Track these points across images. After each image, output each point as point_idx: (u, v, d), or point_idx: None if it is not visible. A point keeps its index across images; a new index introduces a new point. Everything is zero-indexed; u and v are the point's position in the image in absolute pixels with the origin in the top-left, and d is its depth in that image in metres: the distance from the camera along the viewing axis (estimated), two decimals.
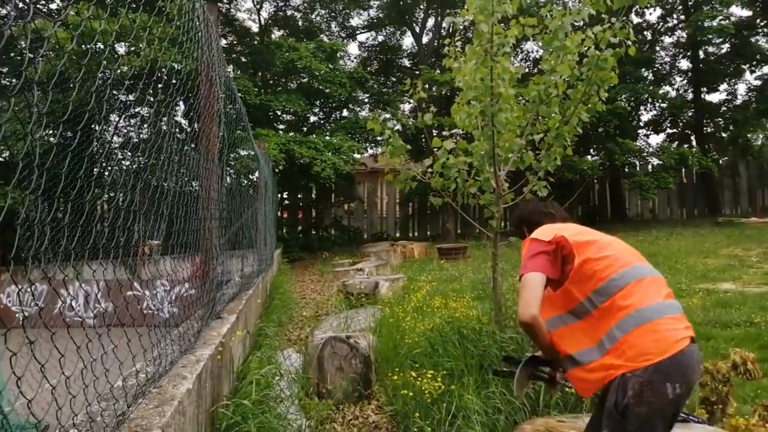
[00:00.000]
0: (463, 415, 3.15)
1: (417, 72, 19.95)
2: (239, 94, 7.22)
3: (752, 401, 3.57)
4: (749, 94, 24.27)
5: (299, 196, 20.49)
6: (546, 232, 2.20)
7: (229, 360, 3.61)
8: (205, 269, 3.50)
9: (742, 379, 3.68)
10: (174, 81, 2.75)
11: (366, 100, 21.70)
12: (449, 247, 14.78)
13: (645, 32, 23.29)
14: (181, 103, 3.84)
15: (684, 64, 24.84)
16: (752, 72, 24.05)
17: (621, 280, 2.03)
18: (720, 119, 24.35)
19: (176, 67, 2.98)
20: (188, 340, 3.03)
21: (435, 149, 4.55)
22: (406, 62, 24.96)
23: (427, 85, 17.33)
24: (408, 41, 26.05)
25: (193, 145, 3.77)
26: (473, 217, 6.34)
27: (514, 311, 4.40)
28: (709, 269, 9.66)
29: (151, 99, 2.73)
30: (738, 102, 23.78)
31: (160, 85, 2.60)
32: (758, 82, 23.98)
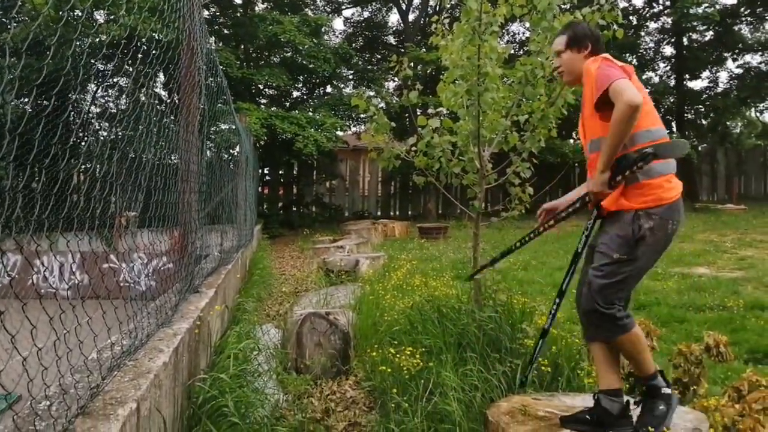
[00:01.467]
0: (440, 391, 3.17)
1: (403, 50, 19.77)
2: (221, 67, 7.08)
3: (722, 383, 3.65)
4: (730, 82, 24.54)
5: (281, 172, 20.31)
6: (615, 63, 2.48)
7: (207, 334, 3.58)
8: (184, 243, 3.46)
9: (714, 362, 3.76)
10: (154, 51, 2.68)
11: (350, 77, 21.48)
12: (430, 227, 14.82)
13: (631, 17, 23.29)
14: (161, 73, 3.75)
15: (668, 50, 24.99)
16: (734, 60, 24.33)
17: (657, 133, 2.48)
18: (701, 106, 24.60)
19: (156, 36, 2.90)
20: (165, 314, 3.00)
21: (420, 128, 4.51)
22: (392, 39, 24.73)
23: (412, 64, 17.21)
24: (394, 18, 25.78)
25: (172, 117, 3.69)
26: (455, 197, 6.36)
27: (494, 291, 4.43)
28: (684, 254, 9.83)
29: (130, 69, 2.65)
30: (719, 90, 24.03)
31: (139, 55, 2.53)
32: (739, 71, 24.26)
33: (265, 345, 4.42)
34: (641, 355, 2.49)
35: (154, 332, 2.78)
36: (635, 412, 2.57)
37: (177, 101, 3.62)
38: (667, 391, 2.50)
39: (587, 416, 2.52)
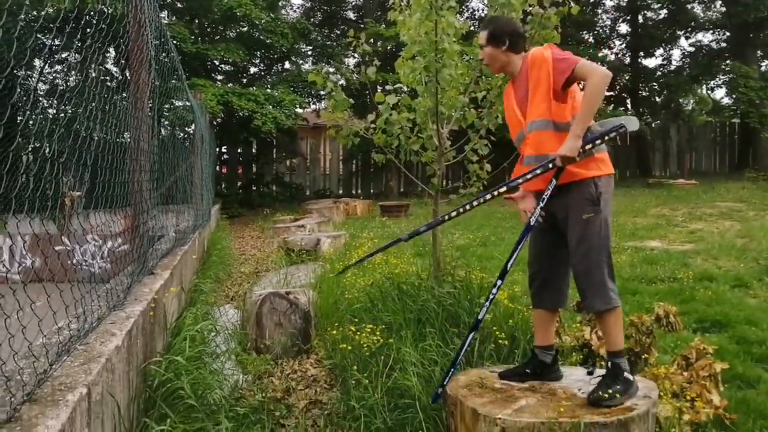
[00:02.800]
0: (400, 367, 3.20)
1: (362, 25, 19.52)
2: (174, 42, 6.85)
3: (672, 351, 3.78)
4: (683, 59, 25.13)
5: (239, 150, 19.94)
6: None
7: (163, 316, 3.51)
8: (135, 223, 3.36)
9: (664, 331, 3.89)
10: (102, 26, 2.56)
11: (309, 53, 21.13)
12: (391, 205, 14.84)
13: None
14: (110, 49, 3.59)
15: (623, 28, 25.38)
16: (687, 38, 24.91)
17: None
18: (654, 84, 25.14)
19: (105, 10, 2.77)
20: (117, 296, 2.92)
21: (378, 104, 4.47)
22: (351, 15, 24.38)
23: (372, 40, 17.01)
24: None
25: (123, 94, 3.56)
26: (416, 175, 6.39)
27: (453, 267, 4.47)
28: (637, 228, 10.10)
29: (76, 43, 2.53)
30: (672, 67, 24.58)
31: (88, 30, 2.41)
32: (692, 49, 24.84)
33: (223, 326, 4.37)
34: (619, 329, 2.69)
35: (106, 315, 2.71)
36: (589, 383, 2.70)
37: (125, 77, 3.48)
38: (630, 377, 2.63)
39: (526, 369, 2.89)
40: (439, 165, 4.44)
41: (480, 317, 2.92)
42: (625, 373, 2.62)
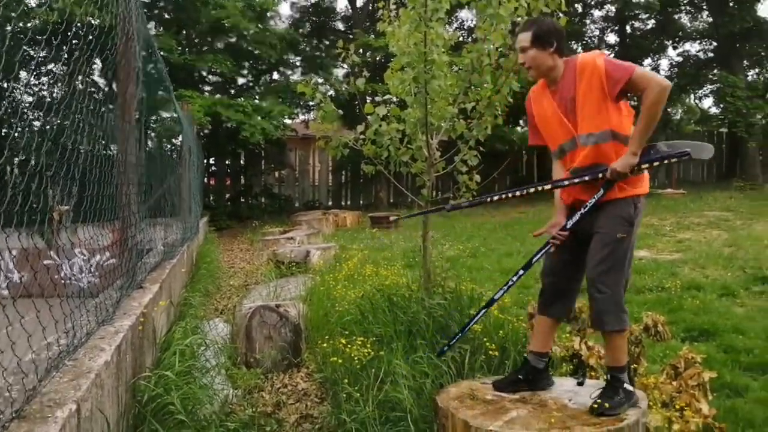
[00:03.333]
0: (391, 379, 3.19)
1: (351, 36, 19.62)
2: (161, 53, 6.84)
3: (661, 361, 3.80)
4: (671, 69, 25.44)
5: (227, 162, 19.86)
6: None
7: (152, 331, 3.48)
8: (123, 237, 3.33)
9: (653, 341, 3.91)
10: (89, 37, 2.56)
11: (298, 64, 21.16)
12: (381, 216, 14.84)
13: (576, 4, 23.81)
14: (97, 60, 3.59)
15: (612, 38, 25.68)
16: (674, 48, 25.25)
17: None
18: None
19: (93, 22, 2.77)
20: (106, 311, 2.89)
21: (368, 115, 4.49)
22: (340, 25, 24.47)
23: (361, 50, 17.09)
24: (342, 3, 25.63)
25: (109, 106, 3.54)
26: (405, 186, 6.37)
27: (443, 278, 4.48)
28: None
29: (64, 55, 2.52)
30: None
31: (75, 42, 2.41)
32: (679, 59, 25.19)
33: (212, 340, 4.33)
34: (625, 348, 2.71)
35: (95, 330, 2.68)
36: (579, 394, 2.71)
37: (112, 89, 3.47)
38: (630, 387, 2.63)
39: (519, 376, 2.86)
40: (428, 176, 4.45)
41: (495, 297, 2.96)
42: (625, 385, 2.62)
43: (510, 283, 2.92)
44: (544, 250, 2.82)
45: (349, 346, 3.54)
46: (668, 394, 2.99)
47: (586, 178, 2.64)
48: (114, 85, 3.60)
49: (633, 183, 2.63)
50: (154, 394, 2.79)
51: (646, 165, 2.56)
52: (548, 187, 2.84)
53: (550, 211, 2.71)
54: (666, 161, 2.58)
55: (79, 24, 2.45)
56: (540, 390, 2.83)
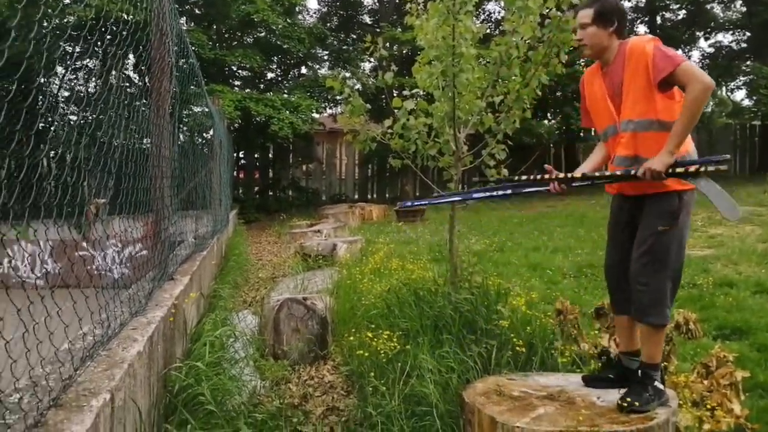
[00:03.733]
0: (417, 374, 3.19)
1: (378, 29, 19.58)
2: (192, 48, 6.93)
3: (692, 359, 3.74)
4: (702, 60, 24.85)
5: (256, 155, 20.07)
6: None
7: (183, 322, 3.55)
8: (157, 229, 3.40)
9: (684, 339, 3.84)
10: (124, 33, 2.61)
11: (325, 58, 21.25)
12: (408, 210, 14.83)
13: None
14: (131, 56, 3.66)
15: (642, 29, 25.15)
16: (706, 39, 24.65)
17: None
18: None
19: (126, 17, 2.82)
20: (139, 302, 2.96)
21: (395, 110, 4.49)
22: (367, 19, 24.46)
23: (388, 44, 17.05)
24: None
25: (143, 101, 3.61)
26: (432, 179, 6.34)
27: (470, 273, 4.46)
28: None
29: (99, 51, 2.58)
30: None
31: (108, 37, 2.46)
32: (711, 50, 24.58)
33: (241, 332, 4.40)
34: (661, 345, 2.66)
35: (128, 321, 2.75)
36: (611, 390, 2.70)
37: (147, 84, 3.54)
38: (660, 386, 2.60)
39: (609, 375, 2.83)
40: (456, 170, 4.44)
41: (475, 196, 3.06)
42: (656, 382, 2.59)
43: (495, 194, 2.87)
44: (538, 188, 2.80)
45: (375, 339, 3.56)
46: (699, 393, 2.94)
47: (618, 173, 2.59)
48: (148, 80, 3.67)
49: (676, 180, 2.53)
50: (184, 384, 2.85)
51: (682, 169, 2.42)
52: (585, 183, 2.78)
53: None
54: (704, 168, 2.40)
55: (113, 20, 2.50)
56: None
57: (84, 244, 5.28)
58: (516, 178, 2.88)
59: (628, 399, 2.51)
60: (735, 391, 2.96)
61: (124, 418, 2.17)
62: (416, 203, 3.03)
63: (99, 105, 2.36)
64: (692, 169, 2.42)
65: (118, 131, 2.59)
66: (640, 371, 2.64)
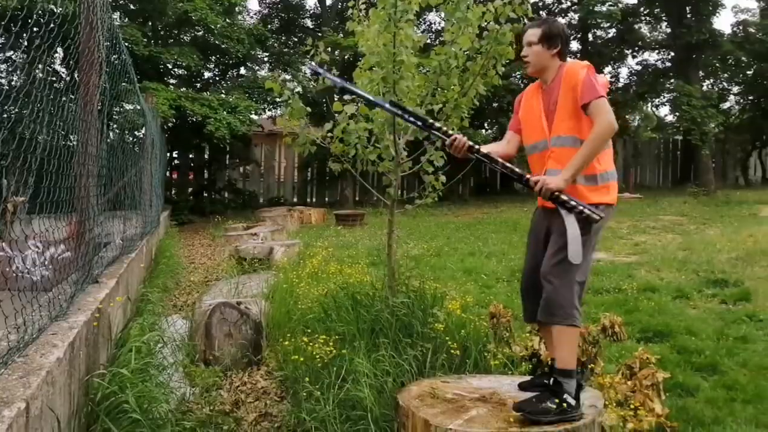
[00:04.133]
0: (352, 378, 3.18)
1: (320, 34, 19.53)
2: (126, 44, 6.68)
3: (617, 361, 3.89)
4: (630, 77, 26.16)
5: (191, 156, 19.51)
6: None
7: (108, 327, 3.40)
8: (81, 230, 3.24)
9: (609, 341, 4.01)
10: (52, 25, 2.48)
11: (266, 59, 20.95)
12: (347, 214, 14.81)
13: (541, 11, 24.20)
14: (59, 49, 3.48)
15: (574, 45, 26.19)
16: (634, 57, 25.97)
17: (613, 176, 2.79)
18: None
19: (55, 9, 2.68)
20: (60, 306, 2.81)
21: (336, 113, 4.47)
22: (309, 23, 24.33)
23: (330, 49, 16.99)
24: (311, 1, 25.42)
25: (71, 96, 3.44)
26: (372, 184, 6.37)
27: (407, 277, 4.49)
28: None
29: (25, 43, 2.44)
30: (620, 85, 25.50)
31: (35, 29, 2.33)
32: (639, 67, 25.91)
33: (170, 337, 4.26)
34: (570, 348, 2.65)
35: (47, 326, 2.60)
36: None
37: (74, 78, 3.37)
38: (571, 401, 2.54)
39: (545, 381, 2.73)
40: (395, 175, 4.46)
41: (407, 117, 2.94)
42: (567, 396, 2.54)
43: (406, 118, 2.91)
44: (441, 136, 2.85)
45: (311, 344, 3.52)
46: (623, 394, 3.07)
47: (511, 174, 2.73)
48: (76, 75, 3.50)
49: (594, 191, 2.67)
50: (108, 392, 2.73)
51: (566, 198, 2.56)
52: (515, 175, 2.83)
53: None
54: (581, 209, 2.54)
55: (41, 11, 2.37)
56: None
57: (2, 244, 4.97)
58: (431, 122, 2.91)
59: (532, 402, 2.53)
60: (656, 391, 3.11)
61: (41, 428, 2.05)
62: (334, 80, 2.92)
63: (20, 98, 2.23)
64: (572, 203, 2.55)
65: (40, 127, 2.46)
66: (552, 379, 2.64)
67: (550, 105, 2.78)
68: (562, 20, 25.11)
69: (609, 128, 2.56)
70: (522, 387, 2.89)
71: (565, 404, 2.51)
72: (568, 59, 2.85)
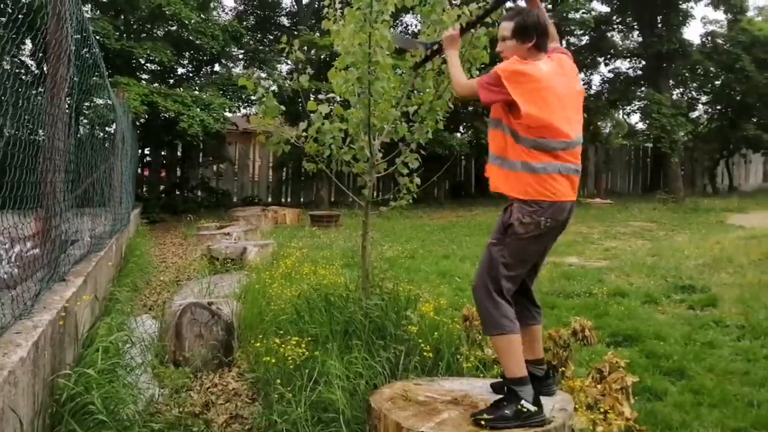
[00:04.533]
0: (325, 380, 3.16)
1: (296, 32, 19.39)
2: (97, 37, 6.55)
3: (587, 364, 3.94)
4: (602, 84, 26.59)
5: (163, 153, 19.20)
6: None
7: (74, 326, 3.31)
8: (46, 226, 3.16)
9: (580, 345, 4.04)
10: (19, 15, 2.41)
11: (240, 57, 20.74)
12: (322, 215, 14.75)
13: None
14: (28, 41, 3.39)
15: None
16: (606, 64, 26.42)
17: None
18: None
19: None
20: (24, 304, 2.73)
21: (311, 113, 4.43)
22: (285, 21, 24.17)
23: (305, 48, 16.90)
24: None
25: (38, 89, 3.35)
26: (347, 185, 6.33)
27: (381, 279, 4.48)
28: (557, 244, 10.50)
29: None
30: (592, 91, 25.93)
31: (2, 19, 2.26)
32: (611, 75, 26.36)
33: (139, 337, 4.17)
34: (509, 356, 2.60)
35: (11, 324, 2.53)
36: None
37: (40, 71, 3.29)
38: (529, 406, 2.48)
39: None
40: (370, 176, 4.44)
41: None
42: (524, 401, 2.49)
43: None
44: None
45: (283, 345, 3.48)
46: (593, 397, 3.10)
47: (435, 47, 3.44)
48: (44, 67, 3.41)
49: (511, 184, 2.65)
50: (73, 392, 2.66)
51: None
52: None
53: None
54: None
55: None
56: (542, 396, 2.67)
57: None
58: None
59: (486, 412, 2.50)
60: (626, 394, 3.14)
61: (2, 430, 1.99)
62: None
63: None
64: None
65: (4, 119, 2.38)
66: (507, 388, 2.62)
67: None
68: None
69: (456, 86, 2.86)
70: (494, 388, 2.88)
71: (524, 410, 2.47)
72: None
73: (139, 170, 17.39)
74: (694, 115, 26.39)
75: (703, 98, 26.78)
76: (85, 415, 2.61)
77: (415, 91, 4.57)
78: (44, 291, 3.13)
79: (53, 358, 2.77)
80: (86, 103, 5.87)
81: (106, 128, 8.06)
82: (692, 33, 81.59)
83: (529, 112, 2.53)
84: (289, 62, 19.17)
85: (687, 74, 25.01)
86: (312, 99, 4.49)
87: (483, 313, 2.65)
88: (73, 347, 3.27)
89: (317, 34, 17.94)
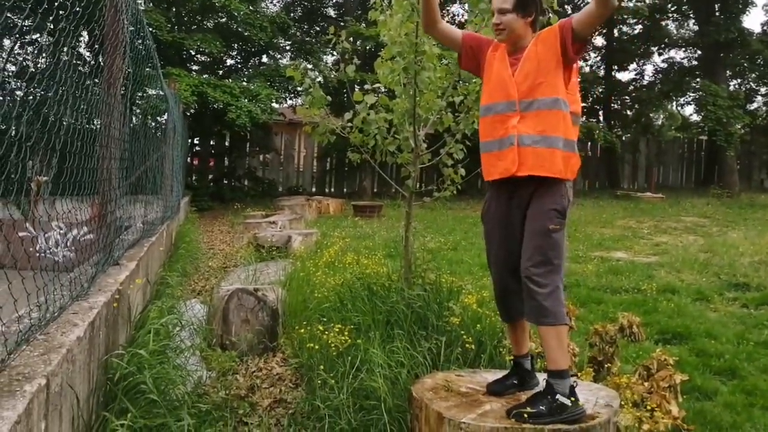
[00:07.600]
0: (367, 368, 3.18)
1: (342, 23, 19.47)
2: (150, 29, 6.73)
3: (634, 361, 3.85)
4: (655, 75, 25.74)
5: (212, 143, 19.65)
6: None
7: (127, 308, 3.44)
8: (103, 212, 3.28)
9: (627, 341, 3.96)
10: (77, 8, 2.50)
11: (287, 48, 20.96)
12: (365, 205, 14.82)
13: (566, 6, 23.90)
14: (84, 33, 3.51)
15: (599, 41, 25.84)
16: (660, 54, 25.57)
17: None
18: (627, 97, 25.68)
19: None
20: (81, 286, 2.85)
21: (356, 103, 4.46)
22: (332, 12, 24.28)
23: (352, 38, 16.95)
24: None
25: (95, 80, 3.47)
26: (390, 176, 6.33)
27: (423, 270, 4.48)
28: (604, 238, 10.28)
29: (51, 26, 2.46)
30: (644, 82, 25.15)
31: (61, 12, 2.35)
32: (664, 65, 25.49)
33: (188, 321, 4.30)
34: (564, 347, 2.55)
35: (68, 305, 2.64)
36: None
37: (98, 62, 3.41)
38: (565, 401, 2.44)
39: (513, 381, 2.76)
40: (414, 167, 4.44)
41: None
42: (559, 396, 2.44)
43: None
44: None
45: (326, 332, 3.53)
46: (639, 395, 3.03)
47: None
48: (101, 58, 3.53)
49: (569, 166, 2.61)
50: (126, 372, 2.76)
51: None
52: None
53: None
54: None
55: None
56: (530, 389, 2.72)
57: (26, 224, 5.05)
58: None
59: (524, 407, 2.44)
60: (673, 393, 3.07)
61: (60, 405, 2.08)
62: None
63: (45, 80, 2.25)
64: None
65: (64, 108, 2.48)
66: (545, 380, 2.56)
67: (520, 70, 2.63)
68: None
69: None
70: (491, 390, 2.76)
71: (556, 404, 2.43)
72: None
73: (189, 159, 17.84)
74: (752, 107, 25.28)
75: (763, 89, 25.65)
76: (137, 395, 2.71)
77: (461, 81, 4.53)
78: (99, 274, 3.25)
79: (107, 338, 2.89)
80: (139, 94, 6.05)
81: (159, 118, 8.29)
82: (752, 21, 78.02)
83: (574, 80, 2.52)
84: (335, 53, 19.25)
85: (745, 64, 23.94)
86: (358, 89, 4.51)
87: (549, 303, 2.46)
88: (125, 329, 3.40)
89: (363, 24, 17.95)
